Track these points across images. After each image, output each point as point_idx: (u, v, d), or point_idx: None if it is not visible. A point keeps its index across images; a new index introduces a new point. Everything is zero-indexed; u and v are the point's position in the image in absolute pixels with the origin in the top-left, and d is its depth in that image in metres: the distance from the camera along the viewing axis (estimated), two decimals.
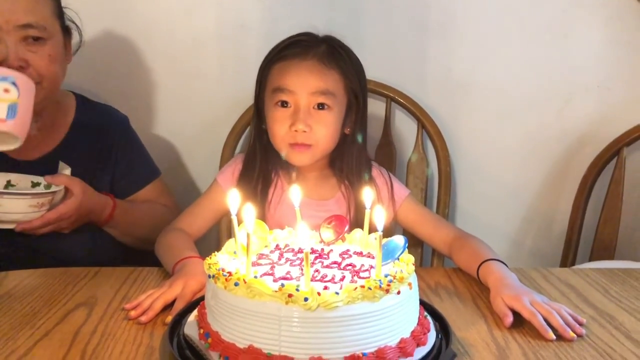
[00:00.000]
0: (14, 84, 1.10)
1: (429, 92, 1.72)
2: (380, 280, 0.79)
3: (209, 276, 0.85)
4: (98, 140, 1.45)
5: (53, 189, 1.26)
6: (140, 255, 1.45)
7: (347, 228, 1.00)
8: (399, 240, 0.90)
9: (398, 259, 0.87)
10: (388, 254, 0.88)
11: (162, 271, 1.22)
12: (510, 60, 1.72)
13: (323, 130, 1.27)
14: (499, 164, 1.79)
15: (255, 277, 0.80)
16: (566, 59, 1.72)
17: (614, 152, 1.67)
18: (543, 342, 0.94)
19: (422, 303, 0.91)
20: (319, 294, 0.75)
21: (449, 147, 1.69)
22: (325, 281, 0.81)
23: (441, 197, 1.68)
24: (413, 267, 0.86)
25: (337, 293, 0.76)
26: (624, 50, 1.70)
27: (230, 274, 0.81)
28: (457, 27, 1.70)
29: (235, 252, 0.91)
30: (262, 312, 0.76)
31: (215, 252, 0.91)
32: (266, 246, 0.97)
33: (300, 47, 1.29)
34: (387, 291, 0.78)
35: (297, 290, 0.75)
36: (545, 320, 0.96)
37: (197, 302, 0.95)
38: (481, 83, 1.73)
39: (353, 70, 1.31)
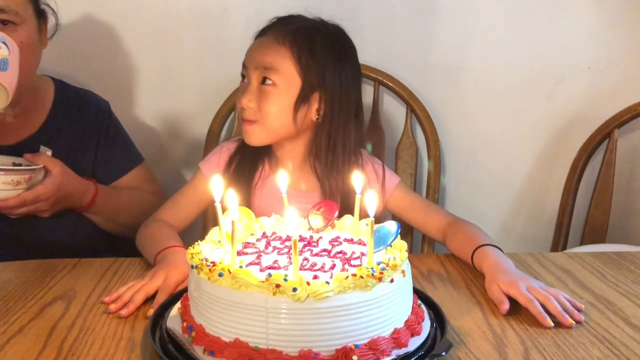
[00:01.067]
0: (4, 43, 1.14)
1: (418, 75, 1.69)
2: (372, 268, 0.75)
3: (192, 267, 0.81)
4: (78, 125, 1.40)
5: (32, 167, 1.22)
6: (124, 242, 1.40)
7: (336, 214, 0.96)
8: (390, 226, 0.86)
9: (390, 246, 0.84)
10: (380, 241, 0.84)
11: (145, 262, 1.18)
12: (500, 43, 1.69)
13: (267, 107, 1.21)
14: (489, 148, 1.76)
15: (241, 267, 0.76)
16: (557, 40, 1.69)
17: (605, 134, 1.64)
18: (541, 329, 0.91)
19: (416, 291, 0.88)
20: (308, 283, 0.72)
21: (438, 131, 1.65)
22: (315, 270, 0.78)
23: (430, 182, 1.66)
24: (406, 254, 0.83)
25: (327, 282, 0.72)
26: (615, 32, 1.68)
27: (214, 264, 0.77)
28: (447, 10, 1.67)
29: (219, 241, 0.87)
30: (248, 304, 0.73)
31: (199, 242, 0.87)
32: (252, 234, 0.93)
33: (276, 25, 1.26)
34: (380, 279, 0.75)
35: (285, 280, 0.72)
36: (543, 306, 0.94)
37: (180, 294, 0.92)
38: (471, 66, 1.71)
39: (316, 57, 1.21)
